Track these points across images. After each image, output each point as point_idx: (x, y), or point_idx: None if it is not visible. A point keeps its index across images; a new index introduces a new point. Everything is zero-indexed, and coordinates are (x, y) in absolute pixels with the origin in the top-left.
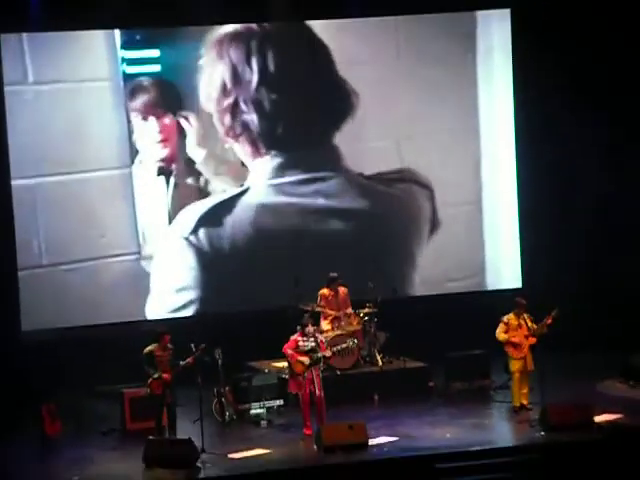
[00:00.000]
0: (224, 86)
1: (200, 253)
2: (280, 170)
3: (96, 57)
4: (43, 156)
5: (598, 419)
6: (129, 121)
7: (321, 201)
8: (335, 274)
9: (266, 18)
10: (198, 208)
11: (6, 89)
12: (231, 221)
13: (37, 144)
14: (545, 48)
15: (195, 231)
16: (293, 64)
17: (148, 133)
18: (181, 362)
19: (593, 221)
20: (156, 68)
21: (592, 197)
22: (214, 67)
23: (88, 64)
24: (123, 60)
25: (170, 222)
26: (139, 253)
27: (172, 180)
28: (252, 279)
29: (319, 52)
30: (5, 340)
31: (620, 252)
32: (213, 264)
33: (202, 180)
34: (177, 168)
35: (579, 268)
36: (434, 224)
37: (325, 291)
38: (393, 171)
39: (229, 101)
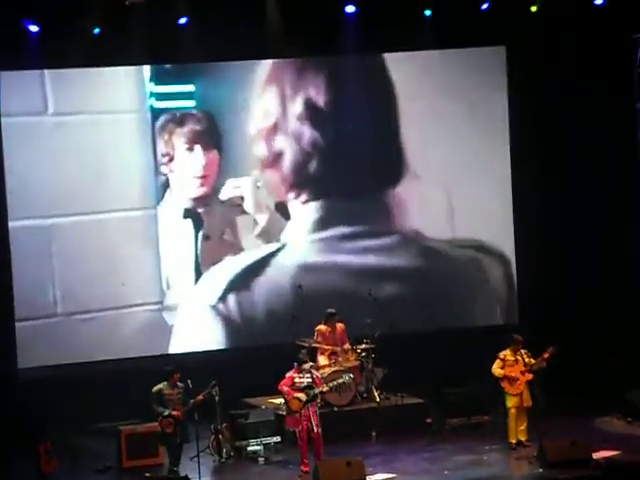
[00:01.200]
0: (270, 115)
1: (229, 323)
2: (323, 223)
3: (123, 90)
4: (59, 193)
5: (596, 455)
6: (156, 159)
7: (372, 259)
8: (332, 310)
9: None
10: (228, 268)
11: (23, 119)
12: (265, 285)
13: (53, 180)
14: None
15: (224, 298)
16: (351, 102)
17: (190, 164)
18: (191, 400)
19: (592, 255)
20: (189, 103)
21: (593, 232)
22: (263, 99)
23: (113, 97)
24: (152, 95)
25: (198, 268)
26: (161, 303)
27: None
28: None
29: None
30: (1, 377)
31: (617, 285)
32: (241, 334)
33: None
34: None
35: (577, 304)
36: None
37: (322, 327)
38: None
39: (271, 128)
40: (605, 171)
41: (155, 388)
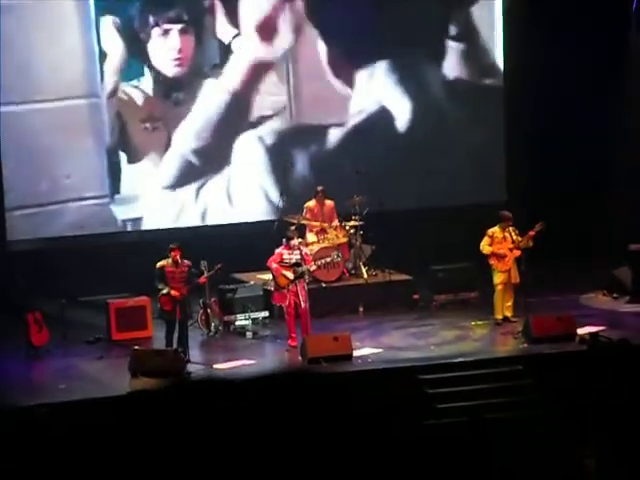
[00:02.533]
0: None
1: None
2: None
3: None
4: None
5: (581, 331)
6: (99, 44)
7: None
8: (320, 187)
9: None
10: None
11: None
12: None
13: None
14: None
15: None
16: None
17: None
18: (195, 280)
19: (581, 143)
20: None
21: (578, 121)
22: None
23: None
24: None
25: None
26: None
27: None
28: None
29: None
30: None
31: (603, 165)
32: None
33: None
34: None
35: (564, 182)
36: None
37: (311, 204)
38: None
39: None
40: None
41: (158, 264)
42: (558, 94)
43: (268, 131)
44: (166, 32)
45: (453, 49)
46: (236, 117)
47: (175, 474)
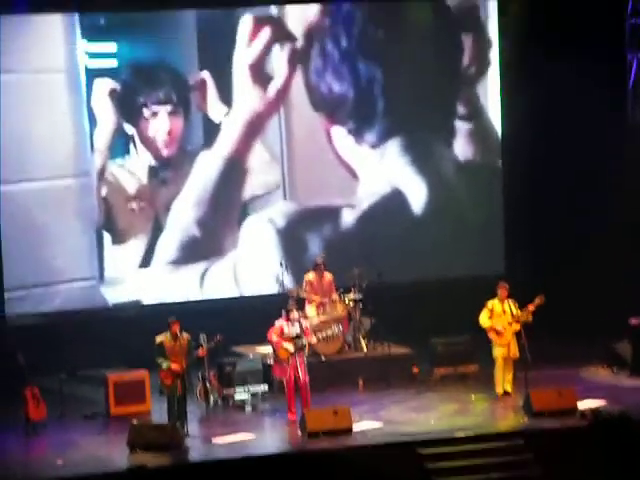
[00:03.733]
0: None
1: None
2: None
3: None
4: None
5: (582, 405)
6: (91, 123)
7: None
8: (320, 259)
9: None
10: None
11: None
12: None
13: None
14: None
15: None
16: None
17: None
18: (195, 352)
19: (578, 210)
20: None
21: (577, 188)
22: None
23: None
24: (86, 53)
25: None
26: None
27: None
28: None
29: None
30: None
31: (605, 239)
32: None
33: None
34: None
35: (563, 254)
36: None
37: (310, 276)
38: None
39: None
40: (596, 125)
41: (157, 339)
42: (556, 169)
43: (261, 209)
44: (154, 114)
45: (461, 129)
46: (231, 194)
47: None
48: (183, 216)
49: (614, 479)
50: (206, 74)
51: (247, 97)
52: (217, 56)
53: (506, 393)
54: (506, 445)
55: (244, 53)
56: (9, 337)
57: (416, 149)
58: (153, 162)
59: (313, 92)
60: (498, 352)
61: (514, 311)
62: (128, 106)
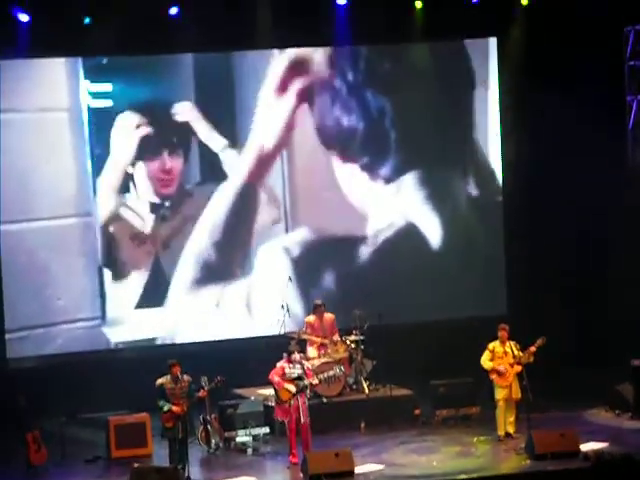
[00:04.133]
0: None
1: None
2: None
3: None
4: None
5: (584, 447)
6: (93, 159)
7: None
8: (319, 301)
9: None
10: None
11: None
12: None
13: None
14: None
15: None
16: None
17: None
18: (196, 394)
19: (580, 249)
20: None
21: (578, 227)
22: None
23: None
24: (89, 93)
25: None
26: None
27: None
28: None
29: None
30: None
31: (606, 279)
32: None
33: None
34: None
35: (564, 296)
36: None
37: (311, 318)
38: None
39: None
40: (596, 167)
41: (158, 382)
42: (556, 210)
43: (267, 242)
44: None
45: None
46: (237, 228)
47: None
48: (186, 255)
49: None
50: (188, 105)
51: (255, 132)
52: (214, 96)
53: (508, 435)
54: None
55: (266, 92)
56: (10, 380)
57: (429, 185)
58: (154, 199)
59: (321, 129)
60: (500, 394)
61: (515, 352)
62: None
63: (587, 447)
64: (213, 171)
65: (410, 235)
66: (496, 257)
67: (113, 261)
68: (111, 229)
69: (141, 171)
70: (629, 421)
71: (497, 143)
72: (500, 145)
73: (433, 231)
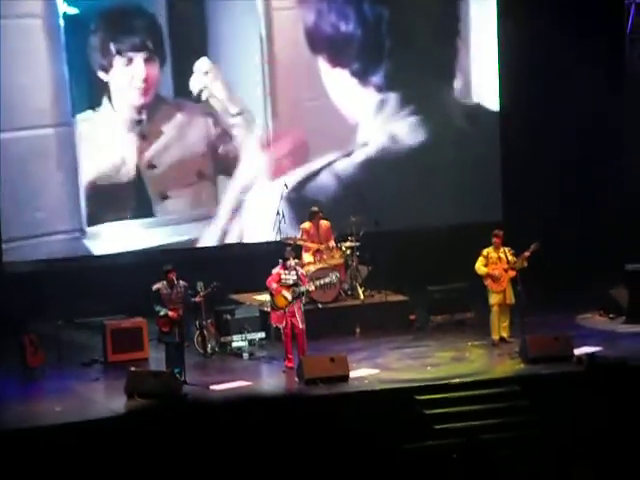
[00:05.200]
0: None
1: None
2: None
3: None
4: None
5: (578, 351)
6: (70, 67)
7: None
8: (316, 208)
9: None
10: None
11: None
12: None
13: None
14: None
15: None
16: None
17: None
18: (192, 299)
19: (575, 160)
20: None
21: (571, 131)
22: None
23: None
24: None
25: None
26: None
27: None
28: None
29: None
30: None
31: (599, 185)
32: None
33: None
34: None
35: (560, 200)
36: None
37: (307, 225)
38: None
39: None
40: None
41: (154, 287)
42: (554, 117)
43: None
44: (130, 61)
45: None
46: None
47: None
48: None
49: (609, 424)
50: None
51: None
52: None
53: (502, 339)
54: (502, 391)
55: None
56: (6, 284)
57: (419, 93)
58: (130, 113)
59: (311, 34)
60: (494, 299)
61: (509, 258)
62: (102, 54)
63: (581, 351)
64: (186, 85)
65: (403, 143)
66: (492, 164)
67: (94, 176)
68: (86, 142)
69: (115, 80)
70: (623, 325)
71: (495, 51)
72: (497, 54)
73: (427, 140)
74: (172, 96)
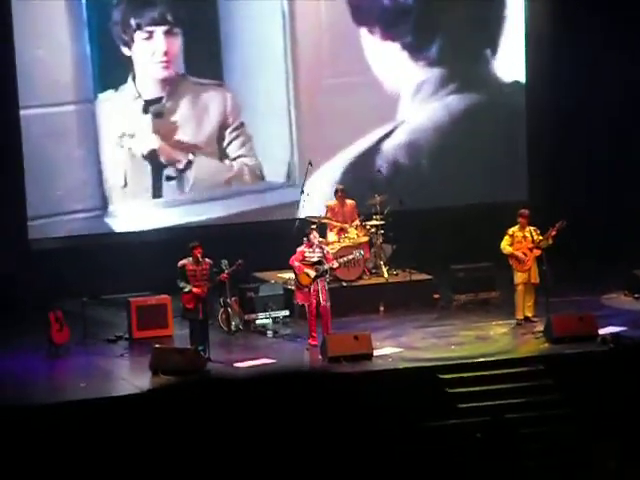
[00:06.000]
0: None
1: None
2: None
3: None
4: None
5: (602, 331)
6: (92, 43)
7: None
8: (341, 186)
9: None
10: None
11: None
12: None
13: None
14: None
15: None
16: None
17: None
18: (217, 277)
19: (603, 140)
20: None
21: (599, 118)
22: None
23: None
24: None
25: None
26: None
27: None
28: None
29: None
30: (12, 248)
31: (629, 171)
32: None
33: None
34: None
35: (587, 181)
36: None
37: (332, 203)
38: None
39: None
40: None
41: (180, 263)
42: (582, 96)
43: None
44: (150, 34)
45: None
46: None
47: (193, 473)
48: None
49: (634, 404)
50: None
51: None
52: None
53: (527, 319)
54: (526, 370)
55: None
56: (32, 261)
57: (461, 71)
58: (153, 89)
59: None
60: (519, 278)
61: (535, 237)
62: (123, 29)
63: (605, 331)
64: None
65: (435, 122)
66: (518, 143)
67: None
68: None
69: (136, 55)
70: None
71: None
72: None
73: (457, 120)
74: (192, 72)
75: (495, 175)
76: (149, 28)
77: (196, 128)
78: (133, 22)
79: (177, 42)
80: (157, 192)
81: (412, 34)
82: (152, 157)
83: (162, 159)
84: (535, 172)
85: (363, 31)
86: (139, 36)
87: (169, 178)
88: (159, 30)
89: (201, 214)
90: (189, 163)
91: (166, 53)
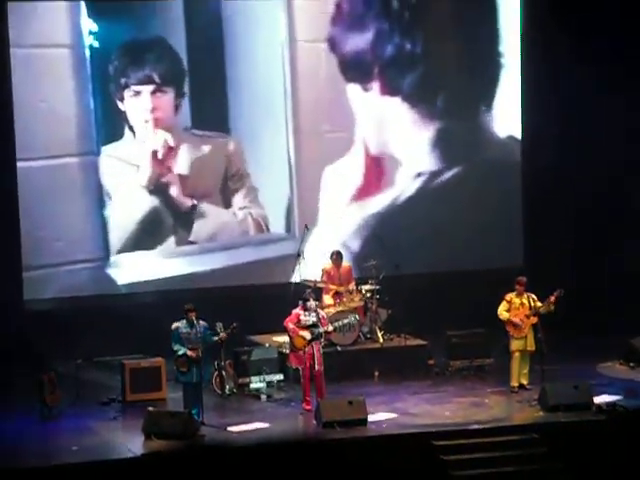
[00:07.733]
0: None
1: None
2: None
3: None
4: None
5: (597, 400)
6: (95, 101)
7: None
8: (337, 250)
9: None
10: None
11: None
12: None
13: None
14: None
15: None
16: None
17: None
18: (214, 338)
19: (598, 203)
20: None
21: (598, 181)
22: None
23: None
24: (91, 33)
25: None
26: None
27: None
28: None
29: None
30: (7, 308)
31: (624, 235)
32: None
33: None
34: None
35: (582, 249)
36: None
37: (327, 266)
38: None
39: None
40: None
41: (173, 326)
42: (577, 163)
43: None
44: (137, 94)
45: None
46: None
47: None
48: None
49: (629, 474)
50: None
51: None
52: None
53: (522, 386)
54: (521, 438)
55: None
56: (26, 322)
57: (455, 127)
58: (149, 144)
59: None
60: (515, 345)
61: (533, 304)
62: (116, 85)
63: (600, 400)
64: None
65: (429, 185)
66: (515, 213)
67: (115, 205)
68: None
69: (130, 110)
70: None
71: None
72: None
73: (451, 181)
74: (191, 126)
75: (490, 240)
76: (136, 87)
77: (199, 180)
78: (122, 80)
79: (167, 100)
80: (159, 242)
81: (409, 90)
82: (154, 209)
83: (163, 211)
84: (530, 238)
85: (355, 86)
86: (127, 93)
87: (171, 229)
88: (146, 89)
89: (204, 264)
90: (192, 214)
91: (153, 110)
